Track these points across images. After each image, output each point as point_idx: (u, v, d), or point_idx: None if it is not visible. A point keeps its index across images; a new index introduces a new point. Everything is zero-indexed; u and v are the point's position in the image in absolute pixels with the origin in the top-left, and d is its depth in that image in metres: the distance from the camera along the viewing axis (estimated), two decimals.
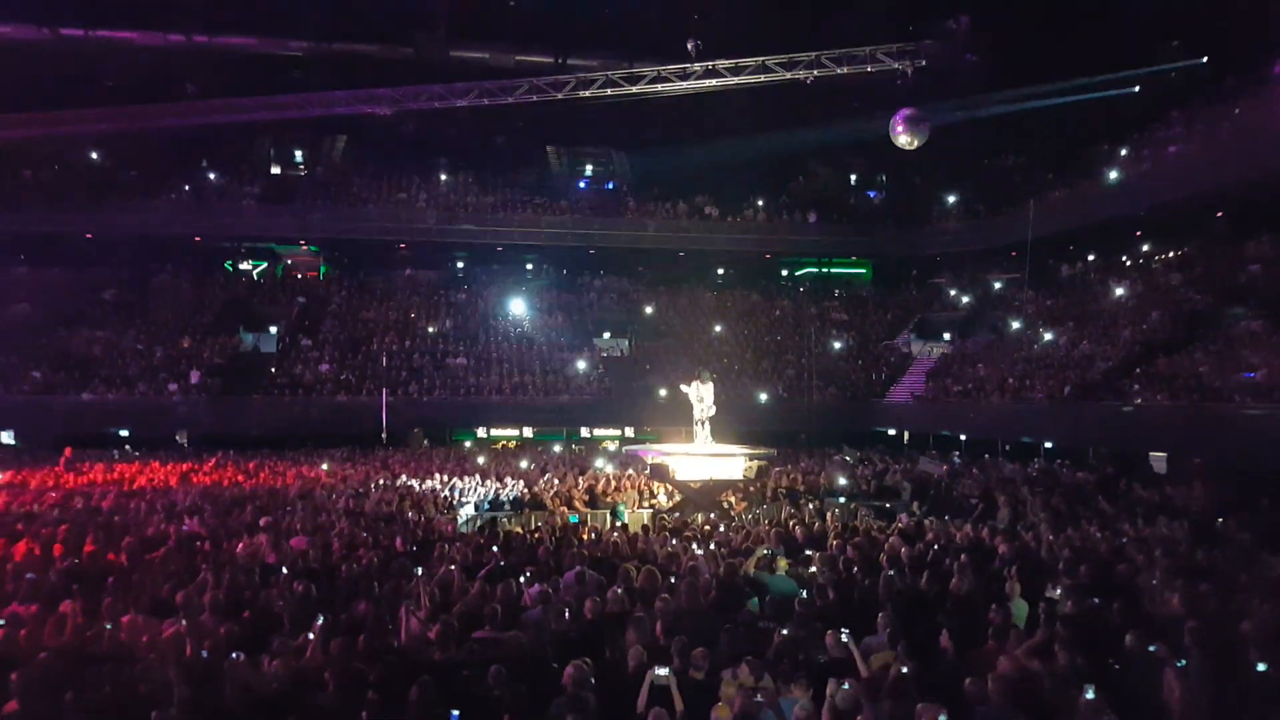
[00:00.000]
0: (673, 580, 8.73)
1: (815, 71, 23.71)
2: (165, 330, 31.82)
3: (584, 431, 32.12)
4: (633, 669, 6.22)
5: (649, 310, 37.05)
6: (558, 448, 29.04)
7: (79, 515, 12.83)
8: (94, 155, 35.56)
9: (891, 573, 9.08)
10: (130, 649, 6.51)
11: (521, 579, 8.81)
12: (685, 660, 6.20)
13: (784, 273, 42.15)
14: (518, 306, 34.58)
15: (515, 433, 31.67)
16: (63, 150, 33.33)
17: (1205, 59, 25.75)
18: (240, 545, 10.49)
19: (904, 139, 20.52)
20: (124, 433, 27.58)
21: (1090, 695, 5.22)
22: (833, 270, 41.85)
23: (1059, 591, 8.27)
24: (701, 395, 17.10)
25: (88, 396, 27.58)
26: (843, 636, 6.59)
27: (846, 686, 5.47)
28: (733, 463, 16.93)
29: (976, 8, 24.40)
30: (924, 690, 5.63)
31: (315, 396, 29.16)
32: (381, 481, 18.36)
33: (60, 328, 30.97)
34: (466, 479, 18.63)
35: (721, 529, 13.23)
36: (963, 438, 27.72)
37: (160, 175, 34.92)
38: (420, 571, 8.75)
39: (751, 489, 17.39)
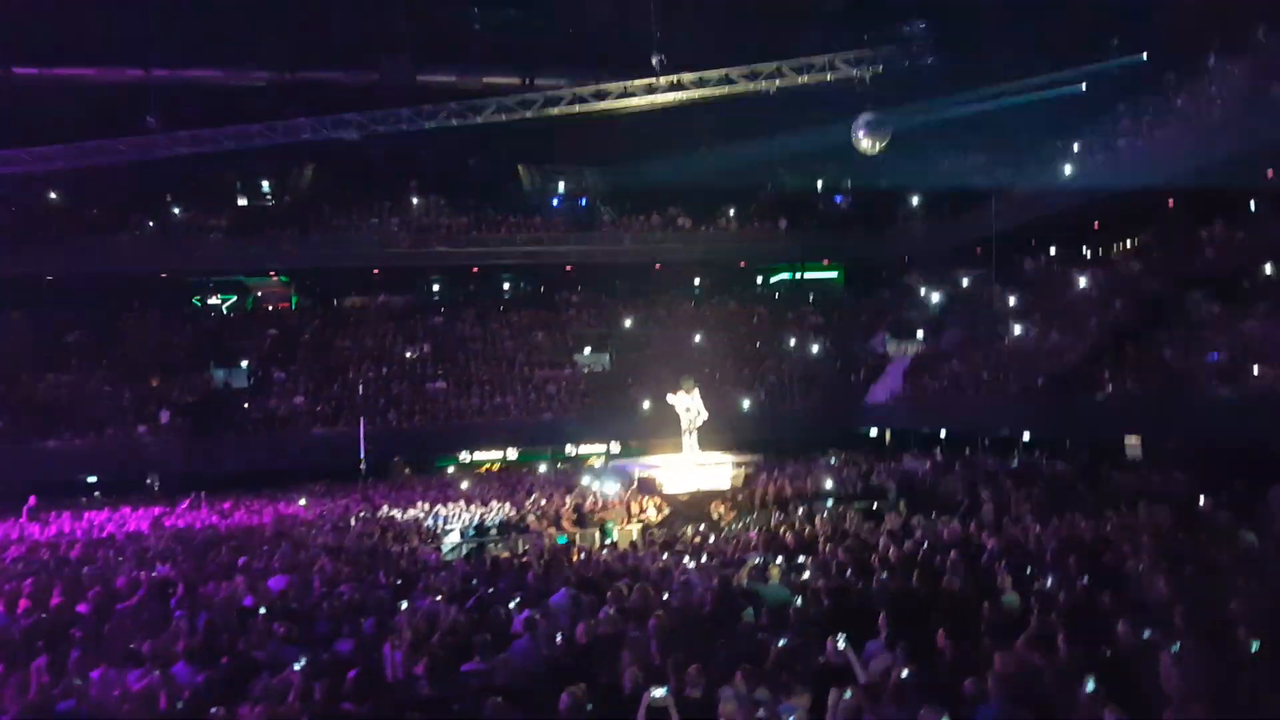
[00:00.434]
0: (666, 596, 8.57)
1: (777, 81, 24.03)
2: (133, 370, 31.19)
3: (569, 449, 31.89)
4: (629, 691, 6.06)
5: (628, 324, 36.98)
6: (543, 467, 28.81)
7: (45, 566, 12.41)
8: (53, 195, 34.86)
9: (884, 575, 9.00)
10: (101, 706, 6.24)
11: (511, 605, 8.61)
12: (681, 679, 6.05)
13: (759, 280, 42.33)
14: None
15: (499, 455, 31.38)
16: (21, 190, 32.66)
17: (1145, 55, 26.44)
18: (216, 588, 10.18)
19: (866, 143, 20.74)
20: (92, 479, 26.91)
21: (1090, 687, 5.15)
22: (806, 276, 42.08)
23: (1050, 582, 8.24)
24: (688, 405, 17.02)
25: (53, 444, 26.89)
26: (840, 643, 6.48)
27: (849, 695, 5.35)
28: (719, 472, 16.85)
29: (929, 13, 24.83)
30: (924, 692, 5.53)
31: (291, 430, 28.71)
32: (362, 514, 18.03)
33: (23, 373, 30.22)
34: (450, 505, 18.36)
35: (712, 540, 13.10)
36: (943, 434, 27.83)
37: (123, 212, 34.35)
38: (405, 605, 8.54)
39: (739, 497, 17.30)
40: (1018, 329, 28.32)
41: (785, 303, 39.49)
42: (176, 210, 36.07)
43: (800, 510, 16.18)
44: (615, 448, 31.58)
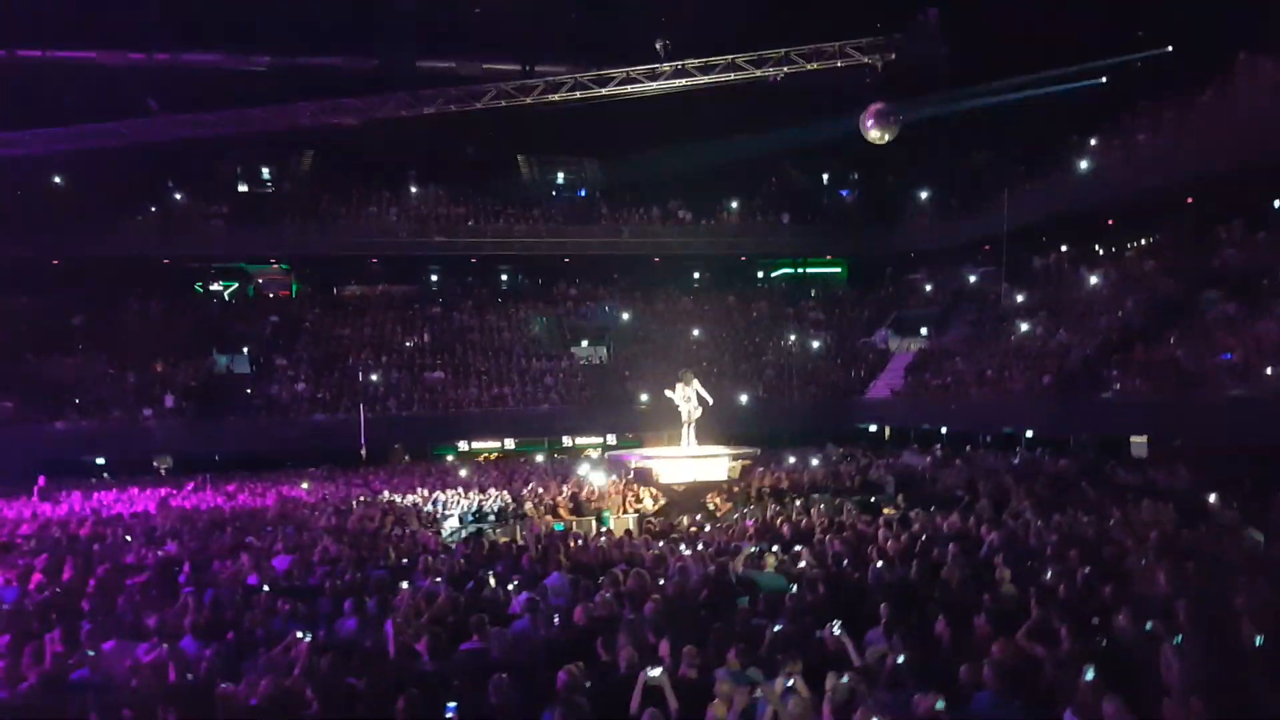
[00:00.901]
0: (661, 582, 8.66)
1: (785, 68, 23.61)
2: (137, 355, 31.29)
3: (565, 440, 31.97)
4: (624, 671, 6.14)
5: (626, 316, 36.99)
6: (540, 457, 28.90)
7: (57, 544, 12.60)
8: (57, 180, 34.93)
9: (880, 564, 9.08)
10: (112, 676, 6.37)
11: (510, 587, 8.70)
12: (677, 660, 6.13)
13: (760, 274, 42.30)
14: None
15: (496, 444, 31.48)
16: (25, 174, 32.71)
17: (1170, 49, 26.06)
18: (221, 567, 10.30)
19: (874, 133, 20.60)
20: (100, 460, 27.11)
21: (1090, 676, 5.20)
22: (808, 270, 42.06)
23: (1049, 575, 8.31)
24: (688, 395, 17.06)
25: (61, 425, 27.09)
26: (835, 629, 6.55)
27: (845, 679, 5.42)
28: (716, 463, 16.91)
29: (944, 1, 24.51)
30: (920, 679, 5.60)
31: (292, 416, 28.83)
32: (363, 498, 18.16)
33: (29, 355, 30.35)
34: (449, 491, 18.45)
35: (708, 529, 13.18)
36: (944, 431, 27.87)
37: (126, 198, 34.39)
38: (405, 585, 8.63)
39: (735, 489, 17.38)
40: (1024, 326, 28.24)
41: (786, 297, 39.50)
42: (178, 196, 36.14)
43: (797, 503, 16.27)
44: (612, 439, 31.67)
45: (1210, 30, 23.86)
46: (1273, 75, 21.41)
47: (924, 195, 37.42)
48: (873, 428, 31.71)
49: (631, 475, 18.12)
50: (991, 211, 30.15)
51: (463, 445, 31.12)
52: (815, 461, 22.14)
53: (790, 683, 5.51)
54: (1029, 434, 24.47)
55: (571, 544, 11.79)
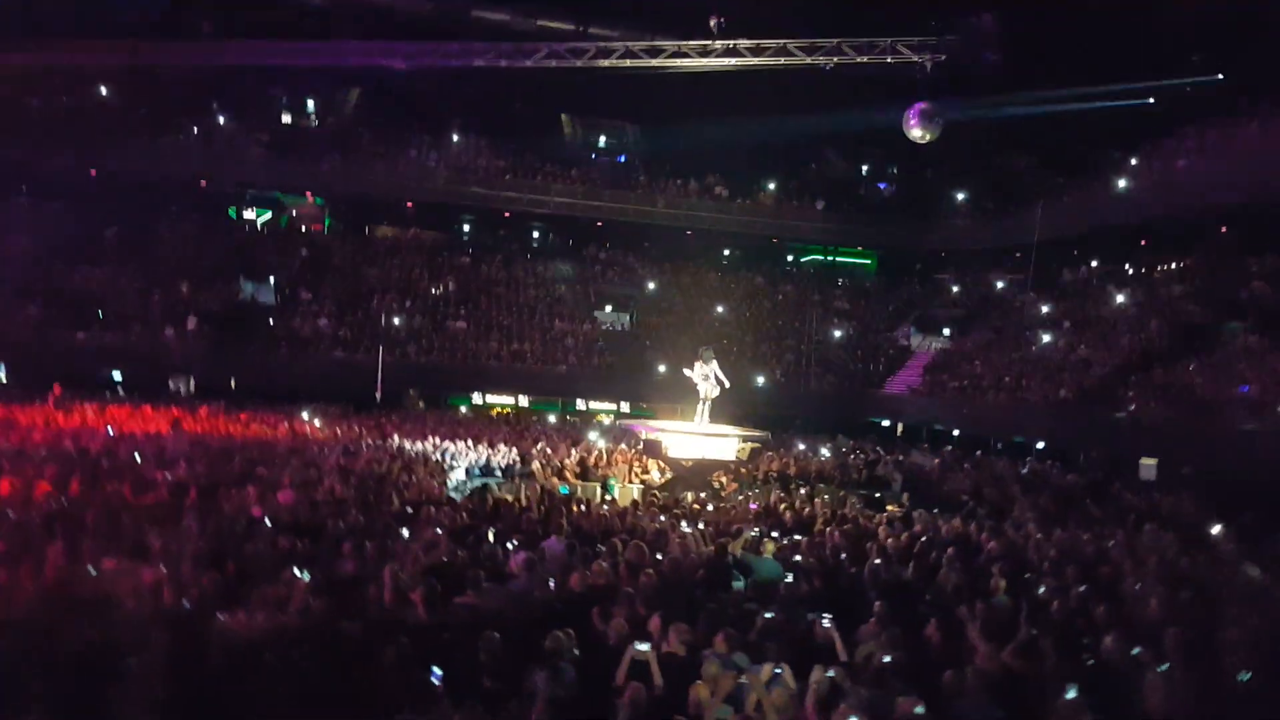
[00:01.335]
0: (659, 557, 8.72)
1: (835, 59, 23.52)
2: (165, 274, 31.55)
3: (580, 404, 32.09)
4: (614, 642, 6.21)
5: (652, 286, 36.90)
6: (552, 418, 29.04)
7: (67, 456, 12.74)
8: (103, 90, 34.98)
9: (878, 561, 9.10)
10: (110, 594, 6.46)
11: (509, 545, 8.79)
12: (666, 636, 6.19)
13: (789, 258, 42.00)
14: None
15: (511, 400, 31.64)
16: (72, 83, 32.78)
17: (1220, 76, 25.69)
18: (226, 495, 10.43)
19: (916, 132, 20.41)
20: (117, 375, 27.44)
21: (1071, 695, 5.22)
22: (838, 259, 41.71)
23: (1042, 590, 8.30)
24: (706, 373, 17.05)
25: (82, 336, 27.38)
26: (825, 621, 6.59)
27: (831, 673, 5.46)
28: (726, 443, 16.94)
29: (1000, 6, 24.17)
30: (905, 680, 5.62)
31: (312, 351, 29.06)
32: (372, 441, 18.32)
33: (59, 264, 30.62)
34: (458, 443, 18.61)
35: (710, 508, 13.24)
36: (956, 433, 27.76)
37: (169, 115, 34.32)
38: (407, 533, 8.73)
39: (743, 470, 17.42)
40: (1046, 337, 28.06)
41: (813, 283, 39.21)
42: (221, 119, 36.12)
43: (802, 490, 16.30)
44: (626, 407, 31.76)
45: (1262, 63, 23.52)
46: None
47: (960, 196, 37.01)
48: (886, 423, 31.61)
49: (641, 446, 18.18)
50: (1025, 219, 29.90)
51: (477, 397, 31.29)
52: (825, 451, 22.11)
53: (777, 670, 5.56)
54: (1040, 445, 24.37)
55: (575, 508, 11.89)
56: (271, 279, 32.78)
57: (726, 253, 40.59)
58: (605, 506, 12.59)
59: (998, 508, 14.81)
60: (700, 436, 16.89)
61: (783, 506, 13.36)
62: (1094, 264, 32.87)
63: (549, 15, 33.75)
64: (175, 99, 34.15)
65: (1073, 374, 24.56)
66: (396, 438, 19.13)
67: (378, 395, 26.71)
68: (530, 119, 38.02)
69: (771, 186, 38.44)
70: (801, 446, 22.56)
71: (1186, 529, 12.18)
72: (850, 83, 26.50)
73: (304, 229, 38.46)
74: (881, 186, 41.46)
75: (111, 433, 16.37)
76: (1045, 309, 30.36)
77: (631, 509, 12.36)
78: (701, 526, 10.97)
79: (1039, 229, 28.52)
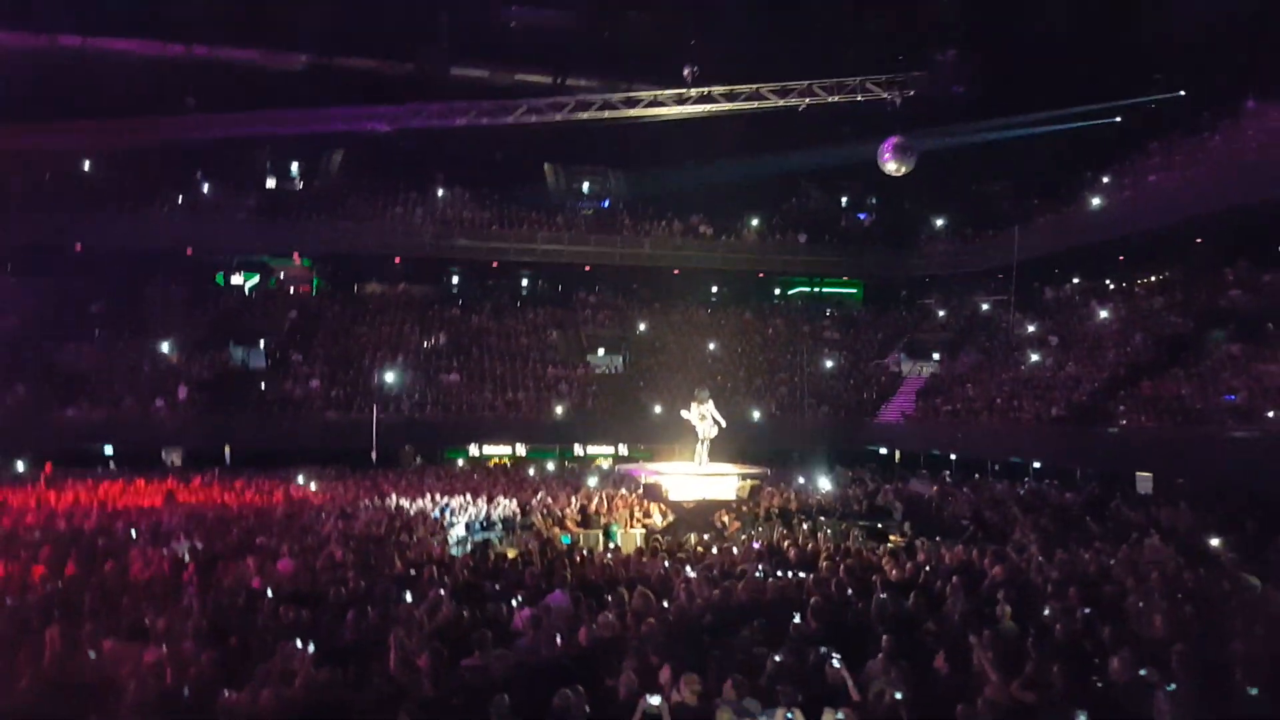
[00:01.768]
0: (666, 604, 8.67)
1: (807, 100, 24.20)
2: (154, 344, 31.49)
3: (577, 449, 32.00)
4: (624, 696, 6.17)
5: (643, 327, 37.09)
6: (550, 465, 28.93)
7: (61, 536, 12.60)
8: (85, 164, 35.20)
9: (884, 596, 9.06)
10: (111, 677, 6.37)
11: (514, 603, 8.73)
12: (677, 686, 6.15)
13: (777, 292, 42.35)
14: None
15: (508, 450, 31.53)
16: (54, 158, 32.93)
17: (1182, 92, 26.46)
18: (226, 569, 10.35)
19: (891, 166, 20.82)
20: (108, 449, 27.22)
21: None
22: (824, 290, 42.08)
23: (1048, 613, 8.28)
24: (703, 414, 17.07)
25: (72, 412, 27.17)
26: (834, 662, 6.55)
27: (841, 716, 5.43)
28: (725, 482, 16.91)
29: (965, 41, 24.93)
30: (917, 715, 5.60)
31: (305, 413, 28.94)
32: (369, 502, 18.17)
33: (45, 340, 30.46)
34: (457, 498, 18.51)
35: (715, 550, 13.17)
36: (953, 457, 27.78)
37: (153, 186, 34.48)
38: (409, 596, 8.67)
39: (744, 509, 17.36)
40: (1034, 357, 28.28)
41: (802, 315, 39.51)
42: (205, 187, 36.42)
43: (804, 525, 16.25)
44: (624, 450, 31.68)
45: (1221, 76, 24.34)
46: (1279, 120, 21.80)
47: (939, 221, 37.62)
48: (883, 450, 31.61)
49: (641, 490, 18.12)
50: (1004, 241, 30.40)
51: (474, 449, 31.18)
52: (825, 483, 22.08)
53: (789, 716, 5.53)
54: (1036, 464, 24.41)
55: (579, 559, 11.81)
56: (261, 343, 32.76)
57: (714, 290, 40.91)
58: (609, 555, 12.51)
59: (999, 530, 14.80)
60: (700, 477, 16.86)
61: (786, 543, 13.30)
62: (1075, 281, 33.30)
63: (526, 69, 34.41)
64: (158, 169, 34.37)
65: (1063, 392, 24.72)
66: (394, 497, 19.01)
67: (373, 454, 26.59)
68: (513, 170, 38.55)
69: (755, 223, 38.91)
70: (801, 480, 22.52)
71: (1186, 542, 12.20)
72: (825, 119, 27.13)
73: (292, 291, 38.58)
74: (862, 217, 42.08)
75: (106, 510, 16.22)
76: (1031, 328, 30.65)
77: (635, 556, 12.29)
78: (706, 569, 10.90)
79: (1018, 250, 28.97)
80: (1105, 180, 29.44)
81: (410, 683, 6.39)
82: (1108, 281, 31.86)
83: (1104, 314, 28.31)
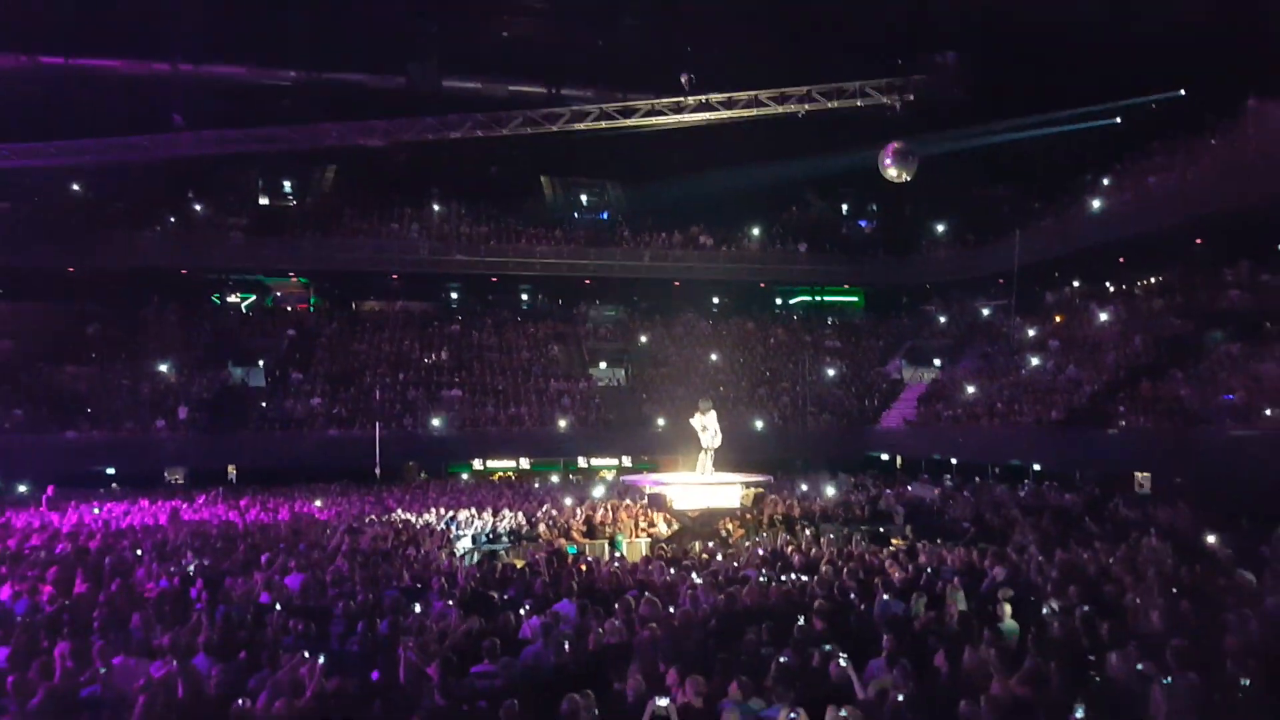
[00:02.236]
0: (672, 610, 8.73)
1: (806, 106, 24.23)
2: (152, 365, 31.58)
3: (581, 461, 32.05)
4: (633, 700, 6.23)
5: (644, 339, 37.19)
6: (555, 478, 28.98)
7: (66, 556, 12.66)
8: (75, 187, 35.12)
9: (886, 597, 9.13)
10: (122, 693, 6.43)
11: (521, 611, 8.80)
12: (683, 689, 6.21)
13: (778, 301, 42.49)
14: None
15: (512, 464, 31.58)
16: (44, 181, 32.90)
17: (1183, 92, 26.53)
18: (234, 584, 10.41)
19: (892, 172, 20.88)
20: (110, 471, 27.28)
21: (1080, 714, 5.29)
22: (826, 298, 42.20)
23: (1045, 611, 8.36)
24: (705, 425, 17.13)
25: (72, 435, 27.22)
26: (841, 660, 6.62)
27: (844, 713, 5.49)
28: (729, 491, 16.96)
29: (964, 44, 24.98)
30: (920, 713, 5.66)
31: (307, 431, 29.01)
32: (374, 517, 18.24)
33: (43, 364, 30.54)
34: (464, 511, 18.57)
35: (719, 558, 13.24)
36: (954, 461, 27.83)
37: (145, 207, 34.61)
38: (418, 608, 8.73)
39: (748, 516, 17.42)
40: (1035, 360, 28.35)
41: (804, 324, 39.63)
42: (198, 207, 36.52)
43: (808, 531, 16.32)
44: (627, 461, 31.72)
45: (1221, 75, 24.35)
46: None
47: (940, 228, 37.72)
48: (885, 456, 31.66)
49: (645, 500, 18.17)
50: (1005, 246, 30.45)
51: (478, 464, 31.22)
52: (828, 490, 22.13)
53: (793, 715, 5.59)
54: (1036, 467, 24.47)
55: (583, 568, 11.88)
56: (260, 362, 32.87)
57: (716, 301, 41.03)
58: (615, 564, 12.57)
59: (999, 532, 14.86)
60: (703, 486, 16.92)
61: (789, 549, 13.37)
62: (1075, 285, 33.38)
63: (520, 81, 34.52)
64: (150, 190, 34.40)
65: (1063, 394, 24.80)
66: (400, 511, 19.08)
67: (377, 470, 26.64)
68: (510, 183, 38.71)
69: (755, 232, 39.02)
70: (804, 487, 22.56)
71: (1183, 540, 12.27)
72: (825, 125, 27.25)
73: (289, 309, 38.69)
74: (863, 224, 42.24)
75: (110, 529, 16.27)
76: (1032, 332, 30.72)
77: (641, 564, 12.35)
78: (711, 576, 10.97)
79: (1019, 255, 29.04)
80: (1105, 182, 29.51)
81: (420, 692, 6.45)
82: (1108, 284, 31.94)
83: (1104, 316, 28.40)
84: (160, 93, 32.11)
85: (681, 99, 24.26)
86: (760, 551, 13.63)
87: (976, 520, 16.31)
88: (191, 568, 11.81)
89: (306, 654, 6.78)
